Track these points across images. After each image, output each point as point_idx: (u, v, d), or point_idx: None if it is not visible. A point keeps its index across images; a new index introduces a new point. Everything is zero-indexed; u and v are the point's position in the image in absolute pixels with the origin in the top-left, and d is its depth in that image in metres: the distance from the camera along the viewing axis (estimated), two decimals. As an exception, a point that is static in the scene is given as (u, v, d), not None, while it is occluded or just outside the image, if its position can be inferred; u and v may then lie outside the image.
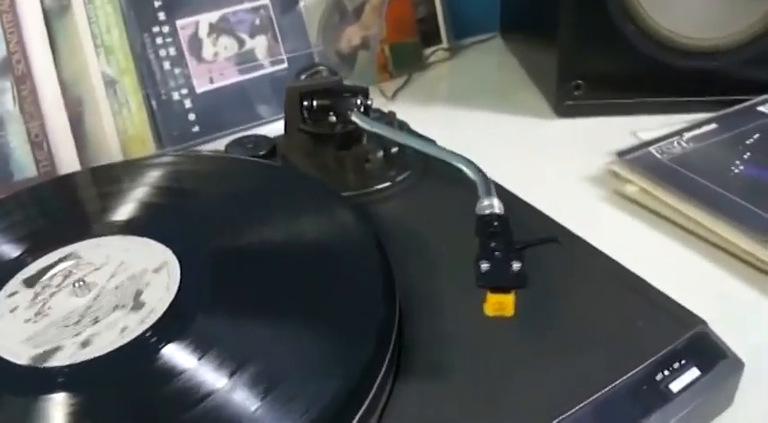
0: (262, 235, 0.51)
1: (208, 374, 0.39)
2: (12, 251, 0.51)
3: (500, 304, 0.39)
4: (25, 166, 0.82)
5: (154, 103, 0.88)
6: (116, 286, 0.47)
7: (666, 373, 0.41)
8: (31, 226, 0.55)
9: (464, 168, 0.50)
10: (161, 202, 0.56)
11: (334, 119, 0.61)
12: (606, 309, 0.45)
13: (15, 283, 0.48)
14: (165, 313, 0.44)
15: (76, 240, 0.51)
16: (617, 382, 0.40)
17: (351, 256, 0.48)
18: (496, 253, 0.40)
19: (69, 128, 0.84)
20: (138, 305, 0.45)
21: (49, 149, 0.83)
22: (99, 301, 0.46)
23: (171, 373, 0.39)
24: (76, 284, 0.47)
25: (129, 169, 0.63)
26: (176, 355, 0.41)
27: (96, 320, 0.44)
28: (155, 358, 0.40)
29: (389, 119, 0.63)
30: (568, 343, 0.43)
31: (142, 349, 0.41)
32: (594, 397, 0.39)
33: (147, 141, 0.88)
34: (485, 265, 0.40)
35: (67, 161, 0.84)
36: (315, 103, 0.63)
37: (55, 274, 0.49)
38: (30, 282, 0.48)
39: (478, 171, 0.49)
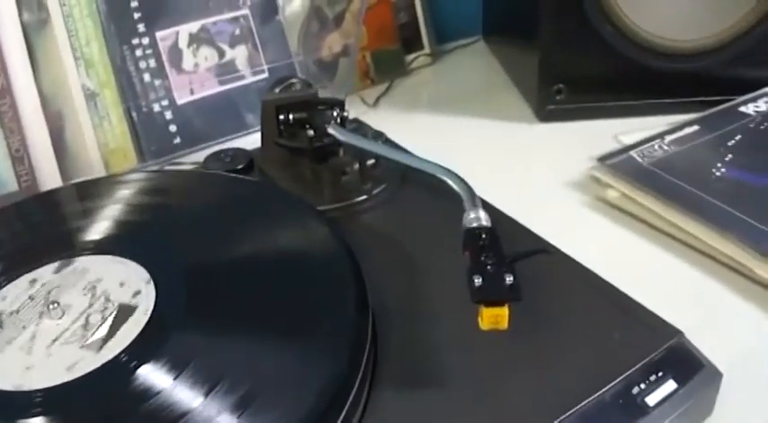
0: (236, 250, 0.51)
1: (184, 393, 0.39)
2: None
3: (495, 318, 0.39)
4: (6, 180, 0.82)
5: (135, 115, 0.87)
6: (90, 304, 0.47)
7: (643, 386, 0.41)
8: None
9: (448, 180, 0.50)
10: (135, 220, 0.55)
11: (311, 132, 0.60)
12: (583, 321, 0.45)
13: (22, 281, 0.49)
14: (140, 334, 0.43)
15: (46, 263, 0.51)
16: (592, 397, 0.40)
17: (324, 270, 0.48)
18: (488, 267, 0.40)
19: (50, 141, 0.84)
20: (112, 327, 0.45)
21: (30, 164, 0.83)
22: (74, 322, 0.45)
23: (147, 394, 0.39)
24: (50, 306, 0.46)
25: (101, 187, 0.62)
26: (152, 374, 0.40)
27: (68, 342, 0.44)
28: (130, 379, 0.40)
29: (365, 131, 0.63)
30: (543, 357, 0.43)
31: (117, 370, 0.41)
32: (569, 413, 0.39)
33: (129, 154, 0.87)
34: (478, 280, 0.40)
35: (49, 175, 0.84)
36: (291, 116, 0.62)
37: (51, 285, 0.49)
38: (33, 283, 0.49)
39: (462, 182, 0.49)
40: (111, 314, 0.46)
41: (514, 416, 0.39)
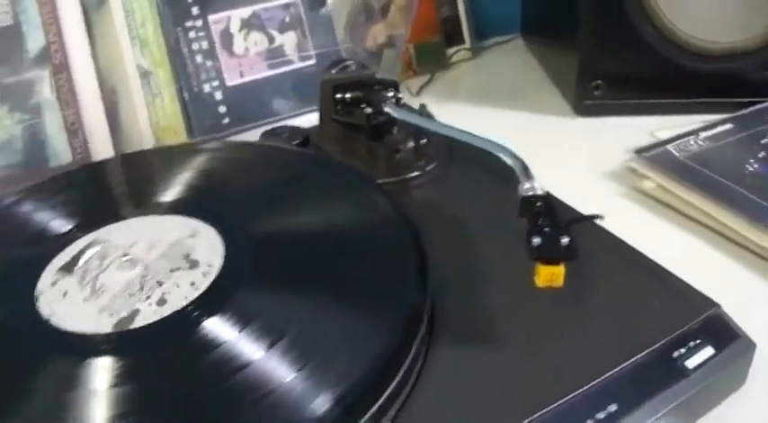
0: (301, 217, 0.54)
1: (247, 346, 0.41)
2: (41, 239, 0.54)
3: (552, 275, 0.41)
4: (61, 153, 0.85)
5: (186, 94, 0.90)
6: (161, 255, 0.50)
7: (683, 350, 0.44)
8: (66, 210, 0.57)
9: (501, 155, 0.52)
10: (205, 185, 0.58)
11: (369, 110, 0.63)
12: (627, 291, 0.48)
13: (51, 272, 0.50)
14: (208, 289, 0.46)
15: (121, 219, 0.54)
16: (638, 357, 0.43)
17: (385, 238, 0.51)
18: (545, 229, 0.43)
19: (104, 117, 0.87)
20: (192, 264, 0.48)
21: (84, 137, 0.86)
22: (151, 269, 0.48)
23: (212, 344, 0.42)
24: (123, 259, 0.49)
25: (173, 154, 0.66)
26: (218, 327, 0.43)
27: (160, 283, 0.47)
28: (197, 330, 0.43)
29: (422, 111, 0.65)
30: (591, 320, 0.46)
31: (184, 320, 0.44)
32: (617, 369, 0.42)
33: (179, 132, 0.91)
34: (536, 240, 0.42)
35: (102, 149, 0.87)
36: (348, 95, 0.65)
37: (90, 258, 0.51)
38: (67, 268, 0.50)
39: (516, 156, 0.51)
40: (180, 269, 0.48)
41: (565, 371, 0.42)
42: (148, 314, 0.44)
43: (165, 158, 0.66)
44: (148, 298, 0.46)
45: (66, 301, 0.46)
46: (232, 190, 0.58)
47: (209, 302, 0.45)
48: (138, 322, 0.44)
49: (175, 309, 0.45)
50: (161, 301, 0.45)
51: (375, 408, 0.38)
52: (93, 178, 0.66)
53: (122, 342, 0.43)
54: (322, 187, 0.58)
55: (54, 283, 0.48)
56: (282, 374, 0.39)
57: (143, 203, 0.56)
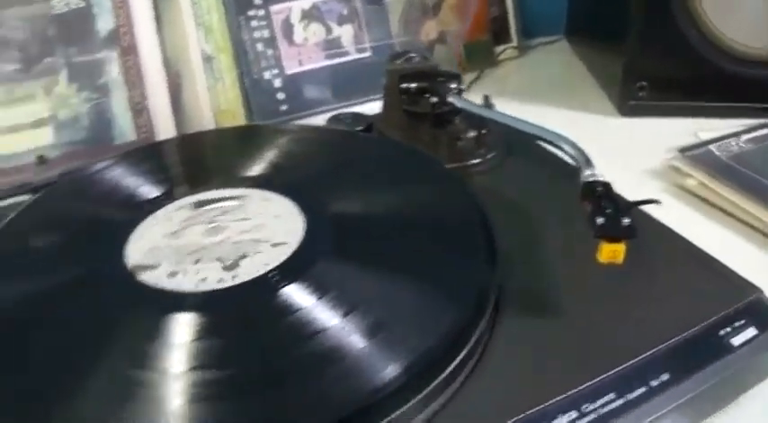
0: (375, 197, 0.58)
1: (323, 313, 0.44)
2: (131, 202, 0.58)
3: (614, 253, 0.45)
4: (126, 131, 0.89)
5: (246, 80, 0.95)
6: (245, 224, 0.54)
7: (729, 329, 0.47)
8: (155, 177, 0.62)
9: (561, 144, 0.56)
10: (286, 163, 0.63)
11: (434, 99, 0.67)
12: (678, 274, 0.51)
13: (141, 233, 0.54)
14: (289, 258, 0.49)
15: (206, 190, 0.58)
16: (687, 333, 0.46)
17: (455, 218, 0.54)
18: (608, 211, 0.46)
19: (168, 98, 0.91)
20: (274, 234, 0.52)
21: (149, 117, 0.90)
22: (235, 236, 0.53)
23: (290, 309, 0.45)
24: (209, 225, 0.54)
25: (256, 132, 0.72)
26: (296, 294, 0.46)
27: (243, 249, 0.51)
28: (277, 295, 0.46)
29: (486, 102, 0.69)
30: (643, 299, 0.49)
31: (266, 286, 0.47)
32: (670, 342, 0.45)
33: (238, 116, 0.95)
34: (600, 220, 0.46)
35: (165, 129, 0.91)
36: (413, 84, 0.69)
37: (178, 223, 0.55)
38: (156, 230, 0.54)
39: (576, 146, 0.55)
40: (262, 239, 0.52)
41: (622, 343, 0.45)
42: (231, 277, 0.48)
43: (245, 137, 0.70)
44: (231, 263, 0.49)
45: (154, 261, 0.50)
46: (310, 169, 0.62)
47: (290, 271, 0.48)
48: (221, 284, 0.47)
49: (257, 275, 0.48)
50: (243, 267, 0.49)
51: (442, 377, 0.41)
52: (178, 151, 0.71)
53: (205, 300, 0.46)
54: (395, 169, 0.61)
55: (143, 244, 0.52)
56: (355, 342, 0.42)
57: (227, 177, 0.60)
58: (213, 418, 0.38)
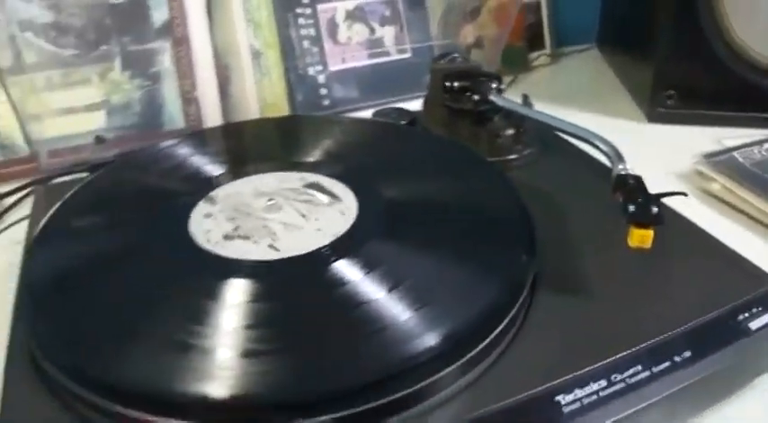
0: (423, 184, 0.62)
1: (370, 287, 0.48)
2: (196, 179, 0.64)
3: (642, 238, 0.49)
4: (176, 118, 0.94)
5: (292, 75, 0.99)
6: (301, 203, 0.59)
7: (746, 314, 0.51)
8: (218, 158, 0.67)
9: (596, 141, 0.60)
10: (339, 151, 0.68)
11: (476, 97, 0.71)
12: (703, 263, 0.55)
13: (205, 207, 0.59)
14: (342, 236, 0.54)
15: (265, 171, 0.64)
16: (709, 315, 0.50)
17: (497, 205, 0.59)
18: (639, 200, 0.51)
19: (217, 89, 0.95)
20: (329, 213, 0.57)
21: (198, 106, 0.95)
22: (292, 213, 0.58)
23: (340, 281, 0.49)
24: (269, 203, 0.59)
25: (316, 122, 0.77)
26: (347, 268, 0.50)
27: (300, 226, 0.56)
28: (329, 268, 0.50)
29: (525, 101, 0.74)
30: (672, 281, 0.53)
31: (322, 261, 0.52)
32: (690, 324, 0.49)
33: (283, 109, 1.00)
34: (631, 207, 0.50)
35: (213, 118, 0.96)
36: (456, 83, 0.74)
37: (239, 199, 0.60)
38: (217, 205, 0.60)
39: (609, 143, 0.59)
40: (318, 216, 0.57)
41: (648, 321, 0.49)
42: (287, 250, 0.53)
43: (300, 125, 0.75)
44: (288, 236, 0.55)
45: (215, 232, 0.56)
46: (362, 157, 0.67)
47: (342, 247, 0.53)
48: (278, 255, 0.52)
49: (312, 249, 0.53)
50: (298, 241, 0.54)
51: (479, 349, 0.45)
52: (238, 135, 0.76)
53: (261, 269, 0.51)
54: (441, 161, 0.66)
55: (206, 216, 0.58)
56: (398, 314, 0.45)
57: (285, 161, 0.66)
58: (260, 371, 0.42)
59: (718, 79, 0.92)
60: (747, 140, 0.85)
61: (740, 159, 0.80)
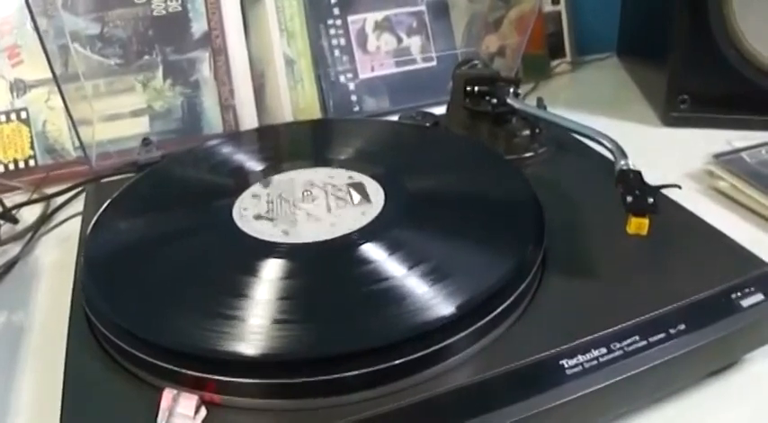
0: (446, 179, 0.68)
1: (393, 266, 0.54)
2: (239, 173, 0.70)
3: (639, 225, 0.55)
4: (214, 123, 1.00)
5: (323, 83, 1.05)
6: (333, 195, 0.65)
7: (739, 294, 0.55)
8: (257, 156, 0.75)
9: (601, 139, 0.66)
10: (368, 150, 0.75)
11: (494, 100, 0.77)
12: (699, 249, 0.60)
13: (247, 197, 0.66)
14: (369, 223, 0.60)
15: (301, 167, 0.71)
16: (704, 293, 0.54)
17: (511, 195, 0.64)
18: (637, 191, 0.56)
19: (253, 96, 1.01)
20: (359, 203, 0.64)
21: (235, 112, 1.00)
22: (324, 204, 0.64)
23: (366, 260, 0.55)
24: (305, 193, 0.65)
25: (345, 124, 0.86)
26: (372, 250, 0.56)
27: (331, 214, 0.62)
28: (357, 249, 0.57)
29: (539, 103, 0.79)
30: (670, 264, 0.58)
31: (347, 243, 0.58)
32: (686, 300, 0.54)
33: (315, 114, 1.05)
34: (630, 198, 0.56)
35: (249, 124, 1.01)
36: (477, 88, 0.79)
37: (278, 190, 0.67)
38: (259, 196, 0.66)
39: (614, 141, 0.65)
40: (348, 206, 0.63)
41: (646, 298, 0.54)
42: (320, 234, 0.59)
43: (332, 127, 0.83)
44: (305, 226, 0.61)
45: (251, 211, 0.63)
46: (389, 155, 0.73)
47: (368, 232, 0.59)
48: (310, 239, 0.58)
49: (341, 234, 0.59)
50: (331, 226, 0.60)
51: (489, 318, 0.50)
52: (276, 136, 0.84)
53: (294, 250, 0.57)
54: (462, 158, 0.72)
55: (253, 196, 0.65)
56: (417, 287, 0.51)
57: (319, 158, 0.72)
58: (291, 335, 0.48)
59: (730, 84, 0.96)
60: (756, 142, 0.89)
61: (748, 159, 0.85)
